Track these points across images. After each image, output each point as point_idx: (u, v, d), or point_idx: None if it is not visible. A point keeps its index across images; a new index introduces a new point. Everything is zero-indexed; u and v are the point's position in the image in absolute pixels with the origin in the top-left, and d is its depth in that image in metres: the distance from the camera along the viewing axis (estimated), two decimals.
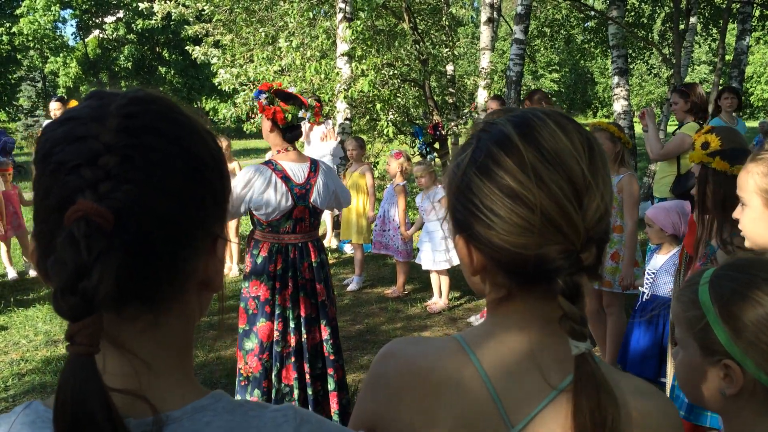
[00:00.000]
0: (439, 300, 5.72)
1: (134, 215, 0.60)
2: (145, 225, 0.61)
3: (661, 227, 3.64)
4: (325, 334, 3.23)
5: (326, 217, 8.00)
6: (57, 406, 0.55)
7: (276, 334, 3.12)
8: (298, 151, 3.23)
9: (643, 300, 3.86)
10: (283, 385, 3.15)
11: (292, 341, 3.13)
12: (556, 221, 0.75)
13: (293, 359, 3.13)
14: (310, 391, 3.18)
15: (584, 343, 0.75)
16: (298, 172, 3.15)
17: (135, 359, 0.63)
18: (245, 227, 8.38)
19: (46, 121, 6.56)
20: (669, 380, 2.93)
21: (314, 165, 3.23)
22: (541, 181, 0.76)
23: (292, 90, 3.23)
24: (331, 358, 3.25)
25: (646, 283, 3.83)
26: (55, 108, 6.47)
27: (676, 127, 5.61)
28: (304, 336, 3.16)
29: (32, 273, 6.99)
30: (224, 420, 0.66)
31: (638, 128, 12.83)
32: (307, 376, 3.18)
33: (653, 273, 3.78)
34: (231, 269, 6.81)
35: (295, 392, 3.14)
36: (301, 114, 3.12)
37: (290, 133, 3.17)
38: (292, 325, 3.14)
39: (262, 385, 3.13)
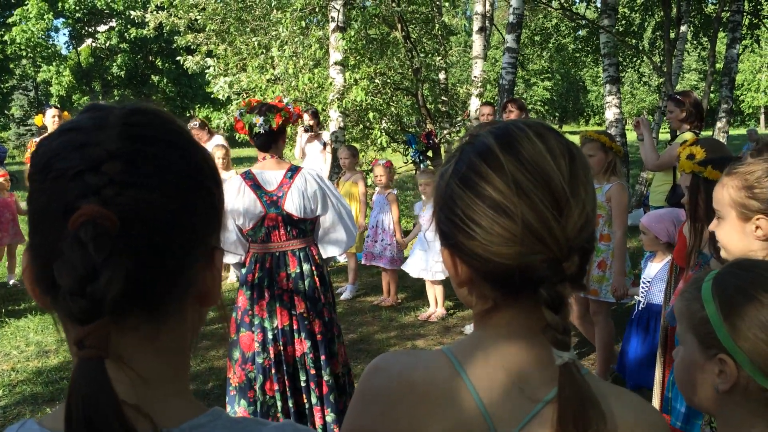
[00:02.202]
0: (436, 309, 5.70)
1: (139, 220, 0.60)
2: (149, 230, 0.61)
3: (655, 235, 3.65)
4: (306, 347, 3.11)
5: None
6: (68, 413, 0.53)
7: (256, 345, 3.07)
8: (277, 159, 3.18)
9: (639, 309, 3.86)
10: (267, 396, 3.08)
11: (272, 353, 3.06)
12: (537, 231, 0.75)
13: (274, 371, 3.07)
14: (290, 404, 3.09)
15: (568, 352, 0.75)
16: (271, 179, 3.09)
17: (131, 372, 0.61)
18: None
19: (45, 135, 6.49)
20: (657, 387, 2.92)
21: (291, 172, 3.12)
22: (522, 192, 0.76)
23: (285, 103, 3.22)
24: (312, 372, 3.11)
25: (642, 292, 3.83)
26: (52, 115, 6.40)
27: (670, 134, 5.63)
28: (281, 348, 3.09)
29: (11, 282, 6.99)
30: None
31: (630, 135, 12.93)
32: (287, 389, 3.09)
33: (648, 281, 3.78)
34: (227, 277, 6.80)
35: (279, 404, 3.07)
36: (254, 120, 3.08)
37: (258, 140, 3.15)
38: (270, 336, 3.07)
39: (247, 395, 3.08)
